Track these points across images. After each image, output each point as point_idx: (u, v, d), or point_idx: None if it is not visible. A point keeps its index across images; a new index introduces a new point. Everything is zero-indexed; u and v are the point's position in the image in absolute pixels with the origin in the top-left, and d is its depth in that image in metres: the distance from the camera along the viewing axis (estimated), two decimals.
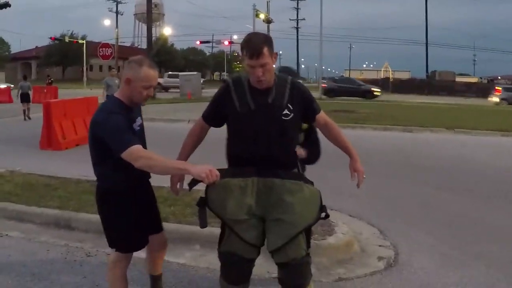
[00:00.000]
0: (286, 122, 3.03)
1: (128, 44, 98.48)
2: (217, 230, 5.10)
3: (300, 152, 3.42)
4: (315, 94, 34.87)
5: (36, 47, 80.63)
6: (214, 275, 4.39)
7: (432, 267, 4.68)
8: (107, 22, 65.54)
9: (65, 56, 71.68)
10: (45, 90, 29.63)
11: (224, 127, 3.25)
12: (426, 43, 63.82)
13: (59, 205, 5.93)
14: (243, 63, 3.01)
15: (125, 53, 76.50)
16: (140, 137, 3.15)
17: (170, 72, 55.88)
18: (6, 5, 30.38)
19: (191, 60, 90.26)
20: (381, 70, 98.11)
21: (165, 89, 46.80)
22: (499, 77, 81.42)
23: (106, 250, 4.90)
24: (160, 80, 48.76)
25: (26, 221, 5.71)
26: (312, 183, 3.12)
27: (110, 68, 40.35)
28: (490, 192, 7.88)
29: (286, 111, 3.02)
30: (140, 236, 3.30)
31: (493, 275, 4.53)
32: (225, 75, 60.13)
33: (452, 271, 4.59)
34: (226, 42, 51.08)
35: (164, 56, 72.62)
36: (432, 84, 58.22)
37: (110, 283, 3.39)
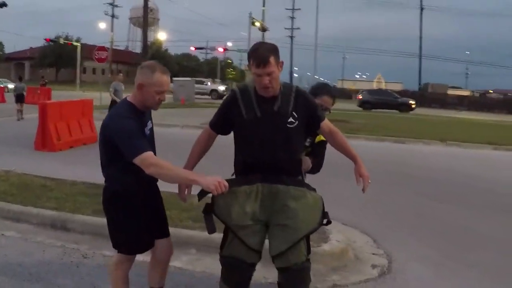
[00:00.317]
0: (291, 130, 3.10)
1: (122, 48, 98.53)
2: (213, 235, 5.17)
3: (308, 164, 3.50)
4: (350, 106, 35.17)
5: (31, 48, 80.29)
6: (211, 279, 4.44)
7: (425, 275, 4.76)
8: (102, 25, 65.58)
9: (59, 57, 71.42)
10: (38, 91, 29.52)
11: (231, 135, 3.32)
12: (420, 55, 64.49)
13: (56, 206, 5.94)
14: (250, 72, 3.08)
15: (119, 56, 76.68)
16: (150, 141, 3.19)
17: (194, 79, 55.77)
18: (2, 4, 30.34)
19: (185, 66, 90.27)
20: (374, 81, 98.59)
21: None
22: (491, 91, 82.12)
23: (102, 252, 4.95)
24: None
25: (22, 221, 5.72)
26: (314, 189, 3.19)
27: (104, 71, 40.12)
28: (482, 203, 8.00)
29: (291, 119, 3.09)
30: (146, 239, 3.30)
31: (487, 283, 4.62)
32: (218, 81, 60.05)
33: (446, 279, 4.67)
34: (221, 49, 51.13)
35: (158, 61, 72.49)
36: (424, 96, 58.63)
37: (113, 285, 3.40)
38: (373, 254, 5.33)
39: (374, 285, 4.48)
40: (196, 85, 39.94)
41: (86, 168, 9.12)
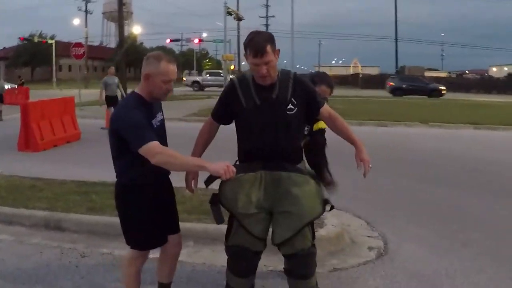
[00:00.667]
0: (290, 117, 3.12)
1: (96, 44, 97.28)
2: (210, 227, 5.23)
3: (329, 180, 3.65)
4: (380, 92, 34.98)
5: (4, 48, 78.75)
6: (211, 270, 4.47)
7: (421, 255, 4.84)
8: (76, 21, 64.68)
9: (33, 56, 70.14)
10: (16, 91, 29.08)
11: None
12: (396, 39, 64.85)
13: (48, 207, 5.88)
14: (247, 62, 3.08)
15: (94, 52, 75.62)
16: (159, 133, 3.15)
17: (209, 71, 55.27)
18: None
19: None
20: (350, 66, 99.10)
21: (202, 87, 46.60)
22: (467, 71, 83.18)
23: (100, 250, 4.93)
24: (198, 79, 48.36)
25: (15, 223, 5.63)
26: (314, 175, 3.22)
27: (80, 67, 39.60)
28: (469, 182, 8.15)
29: (290, 106, 3.12)
30: (158, 234, 3.28)
31: (481, 261, 4.72)
32: (194, 73, 59.77)
33: (441, 258, 4.76)
34: (196, 40, 50.91)
35: (133, 55, 71.88)
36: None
37: (125, 280, 3.40)
38: (368, 236, 5.40)
39: (373, 267, 4.55)
40: None
41: (73, 166, 9.07)
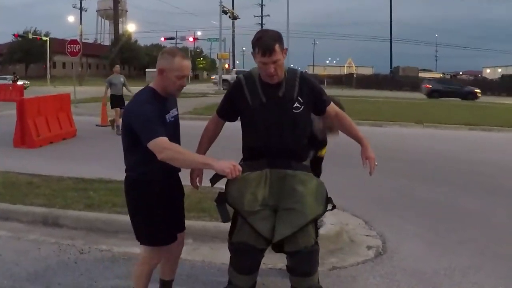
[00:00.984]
0: (297, 115, 3.13)
1: (91, 41, 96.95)
2: (209, 224, 5.23)
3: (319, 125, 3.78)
4: (416, 95, 34.94)
5: None
6: (210, 268, 4.47)
7: (420, 254, 4.87)
8: (71, 18, 64.46)
9: (27, 53, 69.79)
10: (10, 88, 28.98)
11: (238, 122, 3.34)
12: (391, 39, 65.10)
13: (45, 203, 5.86)
14: (255, 60, 3.08)
15: (88, 49, 75.35)
16: (172, 128, 3.15)
17: (237, 69, 54.80)
18: None
19: (155, 56, 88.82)
20: (344, 66, 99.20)
21: None
22: (461, 73, 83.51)
23: (99, 246, 4.92)
24: (227, 77, 47.88)
25: (12, 219, 5.60)
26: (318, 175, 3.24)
27: (73, 65, 39.57)
28: (465, 182, 8.20)
29: (296, 104, 3.12)
30: (166, 230, 3.25)
31: (479, 259, 4.76)
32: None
33: (440, 257, 4.78)
34: (191, 39, 50.90)
35: (127, 53, 71.66)
36: (395, 79, 59.22)
37: (135, 278, 3.38)
38: (367, 235, 5.42)
39: (372, 266, 4.56)
40: None
41: (69, 163, 9.04)
